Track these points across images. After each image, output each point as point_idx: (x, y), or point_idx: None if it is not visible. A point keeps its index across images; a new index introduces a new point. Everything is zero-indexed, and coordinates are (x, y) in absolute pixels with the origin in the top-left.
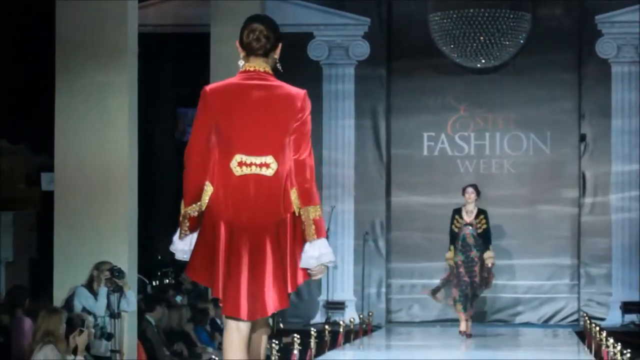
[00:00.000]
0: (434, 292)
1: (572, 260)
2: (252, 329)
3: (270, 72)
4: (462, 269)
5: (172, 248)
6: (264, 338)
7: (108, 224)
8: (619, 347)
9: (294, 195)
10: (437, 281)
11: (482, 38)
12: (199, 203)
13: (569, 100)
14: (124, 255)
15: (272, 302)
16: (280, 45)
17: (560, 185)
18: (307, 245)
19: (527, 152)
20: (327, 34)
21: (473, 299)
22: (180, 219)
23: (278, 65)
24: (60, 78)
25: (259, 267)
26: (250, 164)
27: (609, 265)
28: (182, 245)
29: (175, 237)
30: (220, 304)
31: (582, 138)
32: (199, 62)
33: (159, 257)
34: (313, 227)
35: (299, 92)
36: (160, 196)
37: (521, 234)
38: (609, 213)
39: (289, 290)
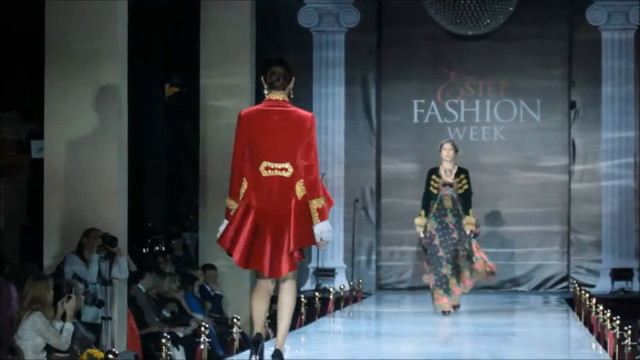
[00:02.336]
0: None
1: (562, 227)
2: (279, 286)
3: (287, 99)
4: (436, 240)
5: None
6: (293, 290)
7: (98, 191)
8: (608, 314)
9: (299, 186)
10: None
11: (472, 5)
12: (237, 202)
13: (559, 68)
14: (114, 222)
15: (285, 266)
16: (293, 79)
17: (551, 152)
18: (314, 227)
19: (517, 119)
20: (317, 0)
21: (457, 272)
22: (227, 209)
23: (291, 94)
24: (50, 45)
25: (279, 240)
26: (274, 168)
27: (598, 232)
28: (222, 228)
29: (221, 227)
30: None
31: (572, 105)
32: (189, 27)
33: (149, 225)
34: (317, 214)
35: (307, 114)
36: (150, 162)
37: (511, 201)
38: (599, 180)
39: (292, 247)
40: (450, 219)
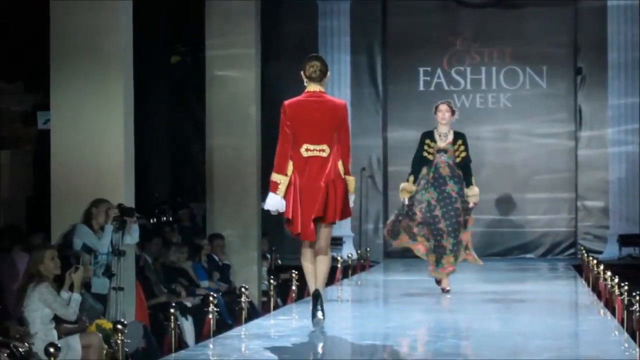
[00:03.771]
0: (393, 236)
1: (570, 193)
2: (317, 246)
3: (324, 90)
4: (437, 212)
5: (266, 205)
6: (329, 254)
7: (105, 162)
8: (616, 280)
9: (340, 165)
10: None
11: None
12: (286, 176)
13: (565, 34)
14: (122, 193)
15: (325, 233)
16: (328, 73)
17: (557, 119)
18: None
19: (524, 86)
20: None
21: (457, 249)
22: (273, 183)
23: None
24: (55, 16)
25: (319, 208)
26: (313, 150)
27: (606, 198)
28: (272, 201)
29: (268, 198)
30: (290, 229)
31: (579, 72)
32: (194, 4)
33: (156, 195)
34: (352, 185)
35: (341, 103)
36: (156, 133)
37: (518, 168)
38: (606, 146)
39: (338, 219)
40: (452, 187)
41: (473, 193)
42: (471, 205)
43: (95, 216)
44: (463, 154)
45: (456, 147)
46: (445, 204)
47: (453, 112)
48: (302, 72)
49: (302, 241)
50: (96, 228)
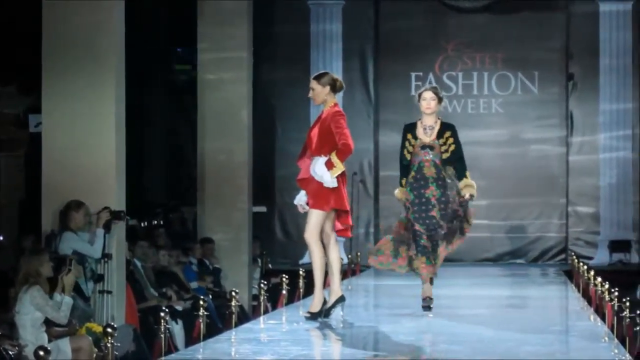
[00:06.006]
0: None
1: (561, 199)
2: (329, 241)
3: None
4: (409, 215)
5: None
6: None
7: (96, 165)
8: (606, 286)
9: None
10: None
11: None
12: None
13: (557, 40)
14: (113, 197)
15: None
16: None
17: (548, 124)
18: None
19: (515, 91)
20: None
21: (433, 251)
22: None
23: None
24: (47, 18)
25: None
26: None
27: (597, 204)
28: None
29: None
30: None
31: (570, 77)
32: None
33: (149, 199)
34: None
35: None
36: (152, 136)
37: (509, 174)
38: (597, 152)
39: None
40: (432, 191)
41: (466, 183)
42: (467, 196)
43: (75, 219)
44: (453, 147)
45: (443, 140)
46: (420, 210)
47: (440, 100)
48: (328, 86)
49: (315, 237)
50: (76, 230)
